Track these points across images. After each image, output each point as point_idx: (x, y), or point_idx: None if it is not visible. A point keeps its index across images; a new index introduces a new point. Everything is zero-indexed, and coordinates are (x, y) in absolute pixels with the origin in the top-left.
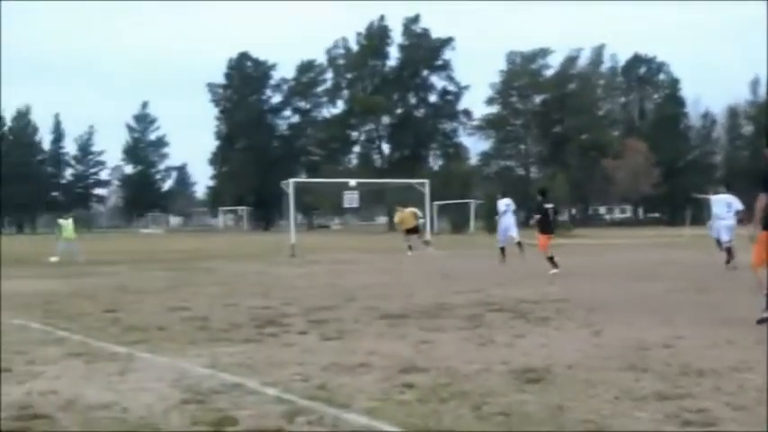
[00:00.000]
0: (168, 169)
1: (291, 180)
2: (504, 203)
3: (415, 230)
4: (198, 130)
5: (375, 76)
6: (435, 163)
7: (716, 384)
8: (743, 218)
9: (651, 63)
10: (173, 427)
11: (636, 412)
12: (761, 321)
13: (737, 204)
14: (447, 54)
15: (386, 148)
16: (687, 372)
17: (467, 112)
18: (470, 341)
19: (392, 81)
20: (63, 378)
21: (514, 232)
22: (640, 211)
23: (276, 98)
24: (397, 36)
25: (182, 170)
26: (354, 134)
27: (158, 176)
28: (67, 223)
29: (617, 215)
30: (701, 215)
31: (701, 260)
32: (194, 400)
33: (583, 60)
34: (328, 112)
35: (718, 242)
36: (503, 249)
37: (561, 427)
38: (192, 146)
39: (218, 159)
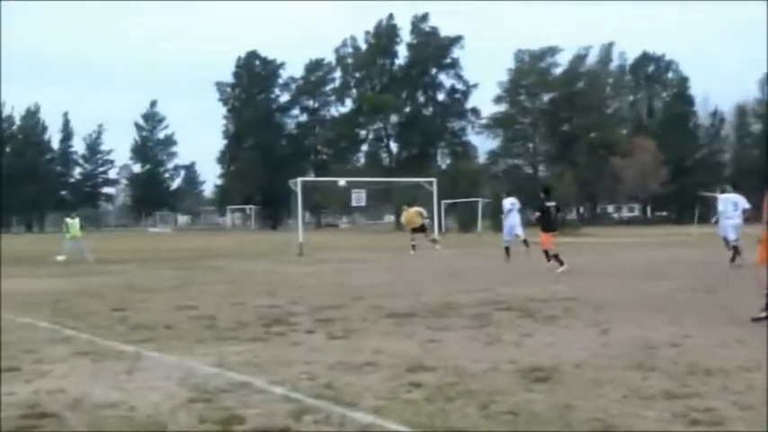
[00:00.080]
0: (176, 168)
1: (299, 179)
2: (510, 202)
3: (421, 229)
4: (206, 128)
5: (383, 75)
6: (443, 161)
7: (724, 384)
8: (749, 216)
9: (660, 61)
10: (180, 425)
11: (643, 411)
12: (756, 320)
13: (744, 203)
14: (455, 52)
15: (394, 146)
16: (695, 371)
17: (475, 111)
18: (478, 340)
19: (400, 79)
20: (70, 377)
21: (520, 231)
22: (648, 210)
23: (284, 97)
24: (405, 34)
25: (190, 169)
26: (363, 133)
27: (166, 175)
28: (74, 222)
29: (625, 213)
30: (708, 214)
31: (709, 259)
32: (201, 399)
33: (591, 58)
34: (336, 110)
35: (726, 241)
36: (507, 249)
37: (569, 426)
38: (201, 145)
39: (226, 158)
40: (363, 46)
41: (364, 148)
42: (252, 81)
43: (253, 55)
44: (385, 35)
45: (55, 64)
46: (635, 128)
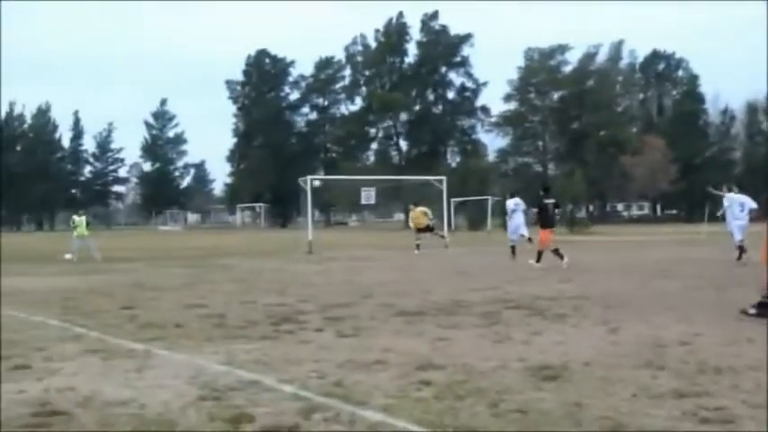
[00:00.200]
0: (186, 166)
1: (309, 177)
2: (513, 203)
3: (427, 229)
4: (216, 127)
5: (393, 73)
6: (453, 160)
7: (733, 382)
8: (755, 216)
9: (670, 59)
10: (190, 423)
11: (653, 410)
12: (743, 312)
13: (751, 203)
14: (465, 51)
15: (404, 144)
16: (705, 369)
17: (485, 109)
18: (487, 338)
19: (410, 78)
20: (81, 375)
21: (525, 231)
22: (658, 208)
23: (294, 95)
24: (415, 33)
25: (200, 167)
26: (372, 131)
27: (176, 173)
28: (81, 220)
29: (635, 212)
30: (718, 212)
31: (719, 257)
32: (211, 397)
33: (601, 56)
34: (346, 108)
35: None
36: (513, 248)
37: (578, 425)
38: (210, 143)
39: (236, 156)
40: (373, 44)
41: (374, 146)
42: (262, 79)
43: (263, 53)
44: (395, 33)
45: (65, 63)
46: (645, 126)
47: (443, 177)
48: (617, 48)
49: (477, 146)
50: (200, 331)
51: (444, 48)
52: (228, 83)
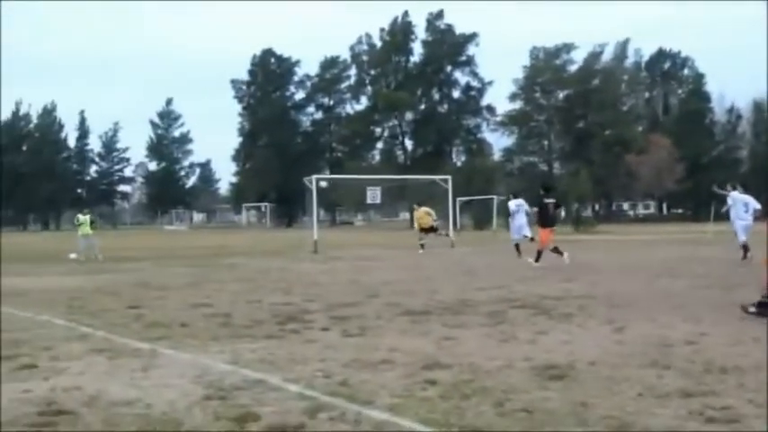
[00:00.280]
0: (192, 166)
1: (315, 176)
2: (515, 204)
3: (431, 230)
4: (221, 126)
5: (399, 72)
6: (458, 159)
7: (740, 381)
8: (759, 216)
9: (676, 58)
10: (195, 423)
11: (659, 409)
12: (744, 309)
13: (755, 204)
14: (471, 50)
15: (409, 143)
16: (711, 369)
17: (490, 108)
18: (493, 337)
19: (416, 77)
20: (87, 374)
21: (527, 231)
22: (664, 207)
23: (299, 94)
24: (420, 32)
25: (205, 167)
26: (378, 130)
27: (182, 173)
28: (85, 219)
29: (640, 211)
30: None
31: (725, 256)
32: (217, 397)
33: (607, 55)
34: (352, 108)
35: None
36: (517, 246)
37: (584, 424)
38: (216, 142)
39: (241, 156)
40: (378, 43)
41: (379, 145)
42: (267, 79)
43: (268, 53)
44: (400, 32)
45: (71, 62)
46: (650, 125)
47: (449, 177)
48: (622, 47)
49: (482, 145)
50: (205, 330)
51: (450, 47)
52: (234, 82)
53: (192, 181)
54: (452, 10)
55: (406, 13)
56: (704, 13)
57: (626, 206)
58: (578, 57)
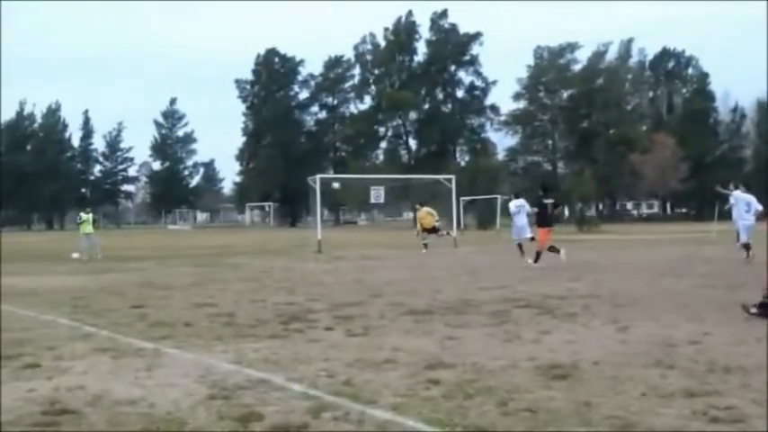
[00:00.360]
0: (196, 165)
1: (318, 176)
2: (515, 205)
3: (433, 230)
4: (225, 126)
5: (402, 72)
6: (462, 158)
7: (743, 381)
8: (761, 216)
9: (680, 57)
10: (199, 422)
11: (663, 409)
12: (746, 309)
13: (756, 205)
14: (475, 49)
15: (413, 143)
16: (714, 369)
17: (494, 108)
18: (496, 337)
19: (419, 76)
20: (90, 373)
21: (528, 233)
22: (668, 207)
23: (303, 94)
24: (424, 31)
25: (209, 166)
26: (381, 130)
27: (186, 173)
28: (88, 217)
29: (644, 210)
30: (728, 210)
31: (728, 256)
32: (220, 396)
33: (611, 55)
34: (355, 107)
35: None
36: (520, 245)
37: (588, 424)
38: (220, 142)
39: (245, 155)
40: (382, 43)
41: (383, 145)
42: (271, 78)
43: (272, 52)
44: (404, 32)
45: (75, 62)
46: (654, 124)
47: (452, 176)
48: (626, 46)
49: (486, 144)
50: (209, 330)
51: (453, 46)
52: (238, 82)
53: (195, 180)
54: (456, 9)
55: (409, 13)
56: (708, 12)
57: (630, 206)
58: (582, 56)
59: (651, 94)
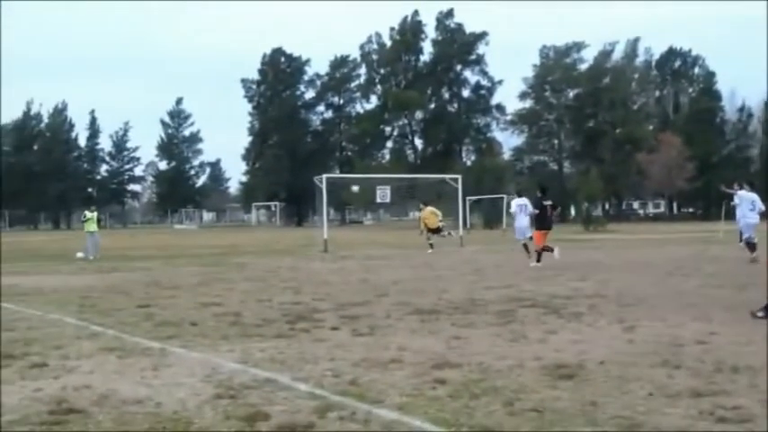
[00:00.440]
0: (202, 165)
1: (325, 175)
2: (517, 204)
3: (437, 230)
4: (231, 125)
5: (408, 71)
6: (468, 158)
7: (751, 381)
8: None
9: (686, 56)
10: (205, 421)
11: (669, 409)
12: (753, 314)
13: (760, 204)
14: (480, 49)
15: (419, 143)
16: (721, 368)
17: (500, 107)
18: (502, 337)
19: (425, 76)
20: (97, 373)
21: (529, 232)
22: (674, 206)
23: (309, 94)
24: (430, 31)
25: (215, 166)
26: (387, 129)
27: (192, 172)
28: (92, 215)
29: (651, 210)
30: (734, 209)
31: (735, 255)
32: (227, 396)
33: (617, 54)
34: (362, 107)
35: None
36: (525, 246)
37: (594, 424)
38: (226, 142)
39: (251, 155)
40: (388, 42)
41: (389, 144)
42: (277, 78)
43: (278, 52)
44: (410, 31)
45: (82, 62)
46: (661, 124)
47: (459, 176)
48: (633, 45)
49: (492, 144)
50: (215, 330)
51: (459, 46)
52: (244, 81)
53: (201, 180)
54: (462, 9)
55: (415, 13)
56: (715, 12)
57: (636, 205)
58: (588, 55)
59: (657, 93)
